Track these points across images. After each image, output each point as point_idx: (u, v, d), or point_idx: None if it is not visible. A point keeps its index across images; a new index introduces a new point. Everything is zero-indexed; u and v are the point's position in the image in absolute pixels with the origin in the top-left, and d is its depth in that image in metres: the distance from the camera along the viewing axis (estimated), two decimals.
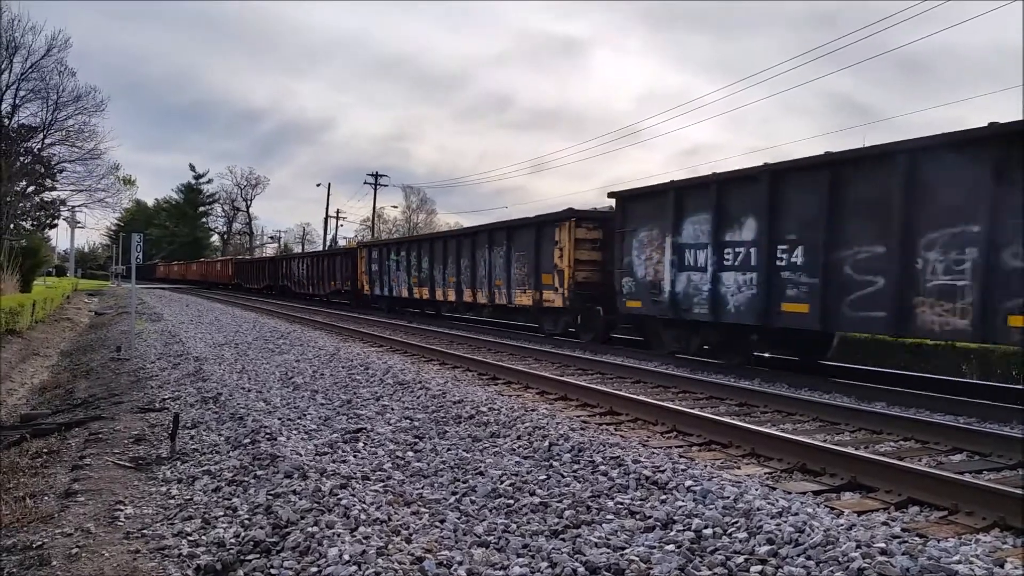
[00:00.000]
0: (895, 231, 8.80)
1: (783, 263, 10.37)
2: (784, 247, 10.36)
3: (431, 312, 24.67)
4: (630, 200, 13.69)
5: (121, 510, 4.78)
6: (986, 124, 8.09)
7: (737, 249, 11.16)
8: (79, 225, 57.59)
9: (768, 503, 4.33)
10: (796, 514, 4.13)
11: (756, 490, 4.61)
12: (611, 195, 14.22)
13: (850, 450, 5.61)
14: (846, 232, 9.49)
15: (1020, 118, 7.84)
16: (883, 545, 3.66)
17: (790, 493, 4.69)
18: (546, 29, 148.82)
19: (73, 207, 49.58)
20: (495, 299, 18.43)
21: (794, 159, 10.67)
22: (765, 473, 5.35)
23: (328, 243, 62.78)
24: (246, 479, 5.22)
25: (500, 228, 18.63)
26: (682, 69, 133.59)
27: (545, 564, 3.65)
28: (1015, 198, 7.68)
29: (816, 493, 4.84)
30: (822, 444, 5.81)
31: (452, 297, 20.83)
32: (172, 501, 4.96)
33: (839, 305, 9.52)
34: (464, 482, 5.08)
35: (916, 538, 3.87)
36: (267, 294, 41.17)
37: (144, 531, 4.40)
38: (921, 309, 8.54)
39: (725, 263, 11.36)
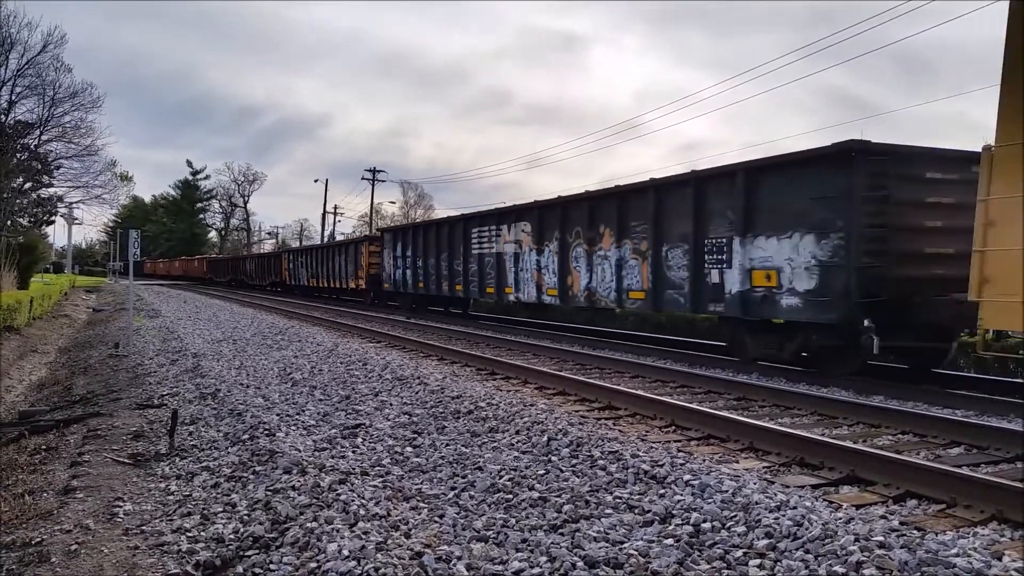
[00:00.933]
0: (422, 254, 22.38)
1: (419, 265, 22.70)
2: (420, 259, 22.60)
3: (324, 295, 35.70)
4: (385, 232, 27.41)
5: (120, 506, 4.78)
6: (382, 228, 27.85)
7: (409, 259, 23.52)
8: (76, 222, 57.52)
9: (766, 497, 4.34)
10: (794, 508, 4.14)
11: (754, 484, 4.61)
12: (379, 230, 31.03)
13: (848, 444, 5.62)
14: (416, 255, 22.83)
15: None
16: (881, 538, 3.67)
17: (788, 487, 4.70)
18: (545, 25, 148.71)
19: (70, 203, 49.54)
20: (341, 284, 31.50)
21: (411, 223, 34.85)
22: (763, 467, 5.36)
23: (326, 238, 62.83)
24: (245, 475, 5.23)
25: (340, 244, 33.45)
26: (680, 65, 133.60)
27: (544, 558, 3.66)
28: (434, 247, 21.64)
29: (814, 487, 4.84)
30: (820, 438, 5.82)
31: (325, 284, 33.96)
32: (171, 497, 4.96)
33: (416, 282, 22.99)
34: (463, 477, 5.09)
35: (914, 531, 3.88)
36: (230, 285, 51.93)
37: (143, 527, 4.40)
38: (430, 284, 21.94)
39: (407, 265, 23.66)
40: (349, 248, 30.43)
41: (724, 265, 11.03)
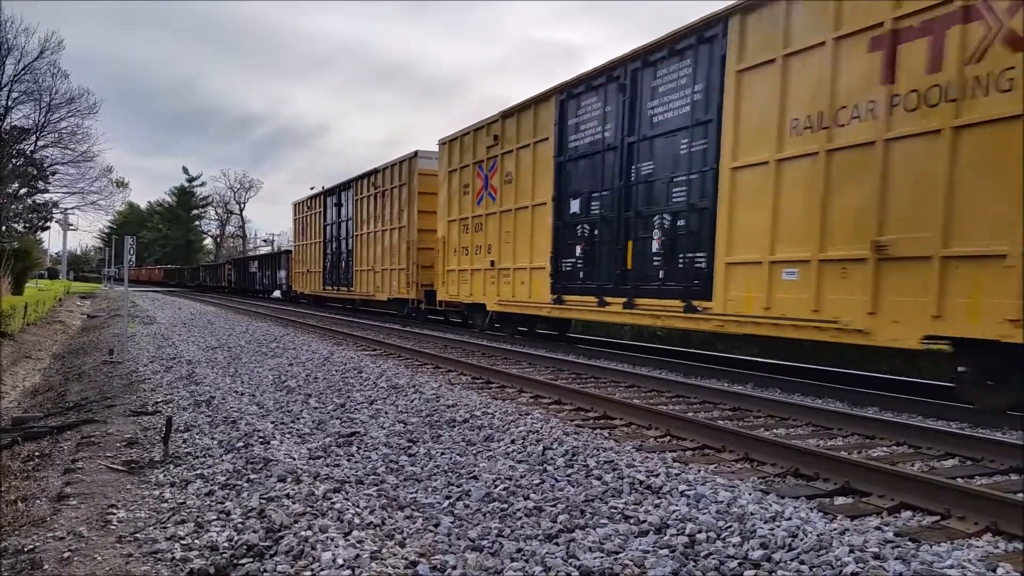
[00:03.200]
0: (241, 271, 51.41)
1: (240, 275, 51.12)
2: (240, 273, 51.74)
3: (215, 289, 57.34)
4: (231, 260, 59.11)
5: (114, 514, 4.76)
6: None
7: (236, 273, 52.99)
8: (71, 227, 57.50)
9: (762, 508, 4.34)
10: (789, 519, 4.15)
11: (750, 495, 4.62)
12: (228, 260, 63.92)
13: (843, 455, 5.63)
14: (240, 272, 51.63)
15: None
16: (876, 550, 3.68)
17: (783, 498, 4.71)
18: (545, 37, 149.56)
19: (65, 209, 49.55)
20: (222, 284, 54.49)
21: (238, 257, 66.10)
22: (759, 478, 5.36)
23: None
24: (239, 483, 5.21)
25: (221, 264, 60.91)
26: None
27: (539, 568, 3.65)
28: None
29: (809, 498, 4.85)
30: (815, 449, 5.83)
31: (216, 284, 56.61)
32: (165, 505, 4.94)
33: (240, 282, 50.85)
34: (458, 486, 5.08)
35: (909, 543, 3.88)
36: (178, 285, 71.80)
37: (137, 535, 4.38)
38: (244, 284, 50.41)
39: (239, 275, 51.56)
40: (223, 266, 58.04)
41: (277, 274, 41.19)
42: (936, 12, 7.63)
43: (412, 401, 8.20)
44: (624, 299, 12.28)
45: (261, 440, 6.31)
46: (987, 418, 7.54)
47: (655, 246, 11.61)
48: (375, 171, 24.03)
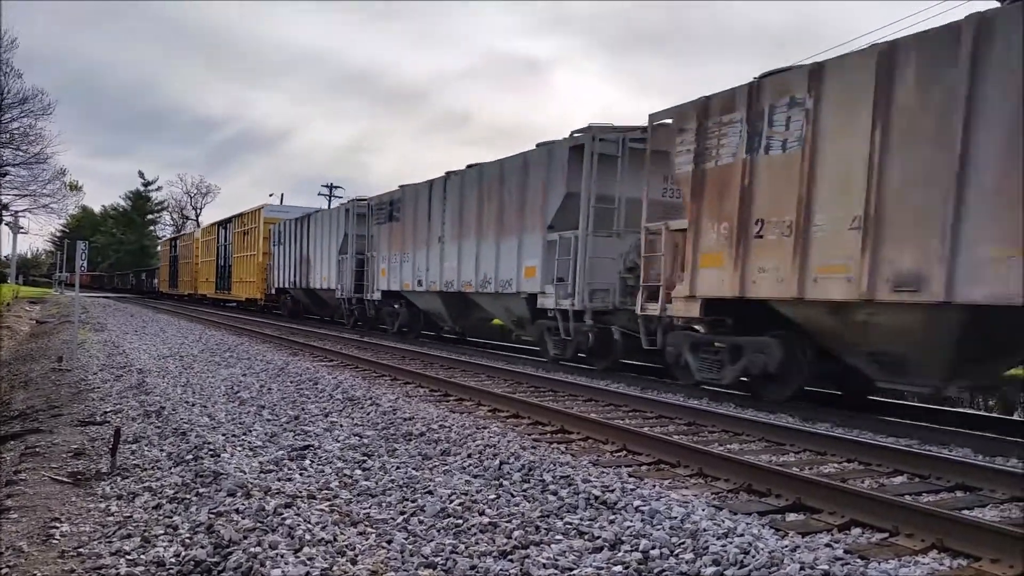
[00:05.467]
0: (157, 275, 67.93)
1: (166, 275, 61.75)
2: (162, 275, 64.70)
3: (135, 290, 69.84)
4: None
5: (57, 527, 4.63)
6: None
7: (153, 276, 66.43)
8: (22, 231, 56.03)
9: (715, 524, 4.37)
10: (742, 535, 4.18)
11: (703, 511, 4.65)
12: (133, 271, 79.35)
13: (795, 471, 5.70)
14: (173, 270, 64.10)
15: None
16: (826, 567, 3.72)
17: (736, 514, 4.74)
18: (511, 49, 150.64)
19: (16, 212, 48.29)
20: (139, 288, 69.58)
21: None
22: (712, 493, 5.40)
23: None
24: (188, 496, 5.11)
25: (136, 270, 76.49)
26: (641, 93, 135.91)
27: None
28: None
29: (762, 514, 4.89)
30: (767, 465, 5.89)
31: (122, 286, 74.06)
32: (111, 518, 4.82)
33: (170, 283, 60.52)
34: (413, 501, 5.03)
35: (858, 560, 3.94)
36: (101, 288, 78.62)
37: (80, 549, 4.27)
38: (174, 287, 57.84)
39: (173, 272, 56.24)
40: (129, 274, 73.00)
41: (153, 280, 64.88)
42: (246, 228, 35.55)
43: (368, 414, 8.13)
44: (223, 291, 38.23)
45: (211, 453, 6.19)
46: (938, 436, 7.71)
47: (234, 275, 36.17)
48: (186, 233, 51.04)
